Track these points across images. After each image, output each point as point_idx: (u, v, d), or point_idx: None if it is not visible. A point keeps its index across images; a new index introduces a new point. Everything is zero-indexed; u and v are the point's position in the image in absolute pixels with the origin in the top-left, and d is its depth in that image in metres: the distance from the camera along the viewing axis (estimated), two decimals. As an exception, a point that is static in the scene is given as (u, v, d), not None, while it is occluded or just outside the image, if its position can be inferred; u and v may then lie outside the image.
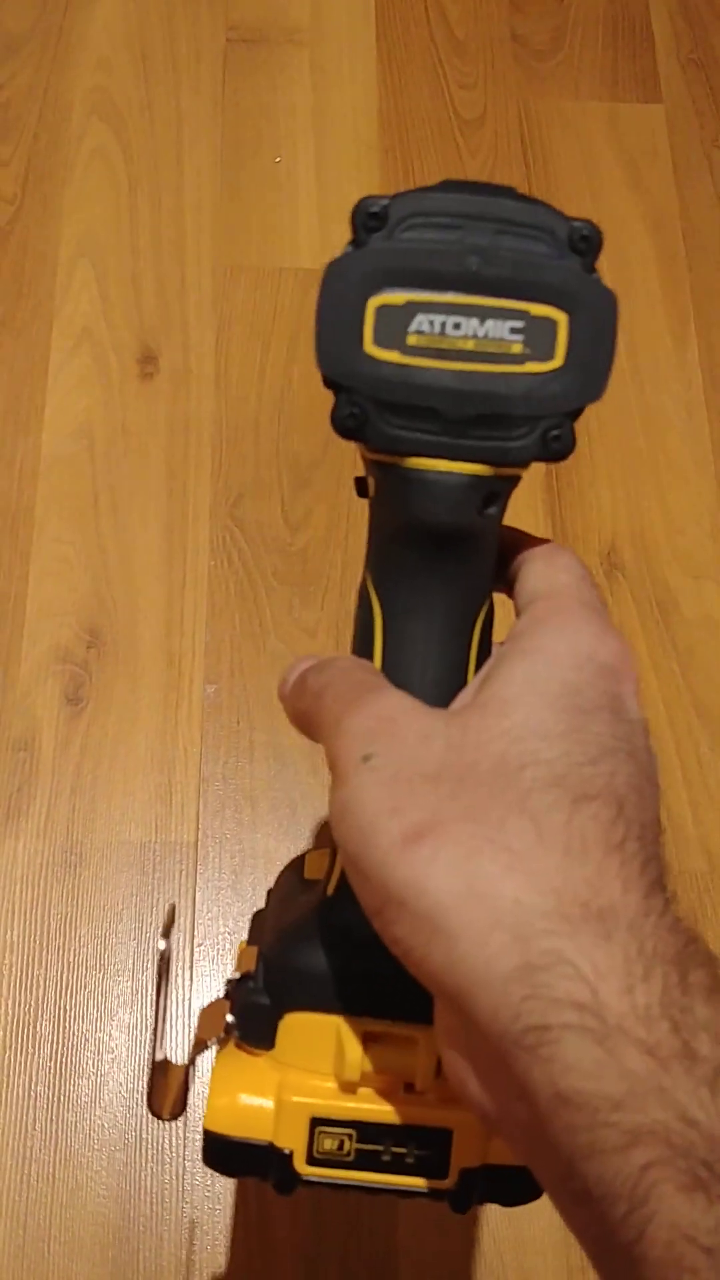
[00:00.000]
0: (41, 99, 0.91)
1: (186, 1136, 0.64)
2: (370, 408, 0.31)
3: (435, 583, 0.32)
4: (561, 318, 0.30)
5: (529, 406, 0.31)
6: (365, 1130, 0.34)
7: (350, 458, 0.82)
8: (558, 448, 0.32)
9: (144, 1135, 0.64)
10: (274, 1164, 0.34)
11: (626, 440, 0.83)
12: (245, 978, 0.35)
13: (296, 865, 0.40)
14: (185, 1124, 0.64)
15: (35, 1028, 0.66)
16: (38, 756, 0.73)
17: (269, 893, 0.41)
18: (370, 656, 0.33)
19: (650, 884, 0.26)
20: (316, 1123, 0.34)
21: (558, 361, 0.31)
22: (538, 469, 0.77)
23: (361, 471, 0.34)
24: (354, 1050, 0.33)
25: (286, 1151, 0.34)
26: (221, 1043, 0.35)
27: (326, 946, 0.34)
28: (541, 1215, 0.62)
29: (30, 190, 0.89)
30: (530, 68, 0.95)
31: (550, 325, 0.30)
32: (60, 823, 0.71)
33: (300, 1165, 0.34)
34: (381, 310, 0.30)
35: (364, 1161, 0.34)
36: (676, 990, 0.24)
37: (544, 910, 0.25)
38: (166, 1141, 0.64)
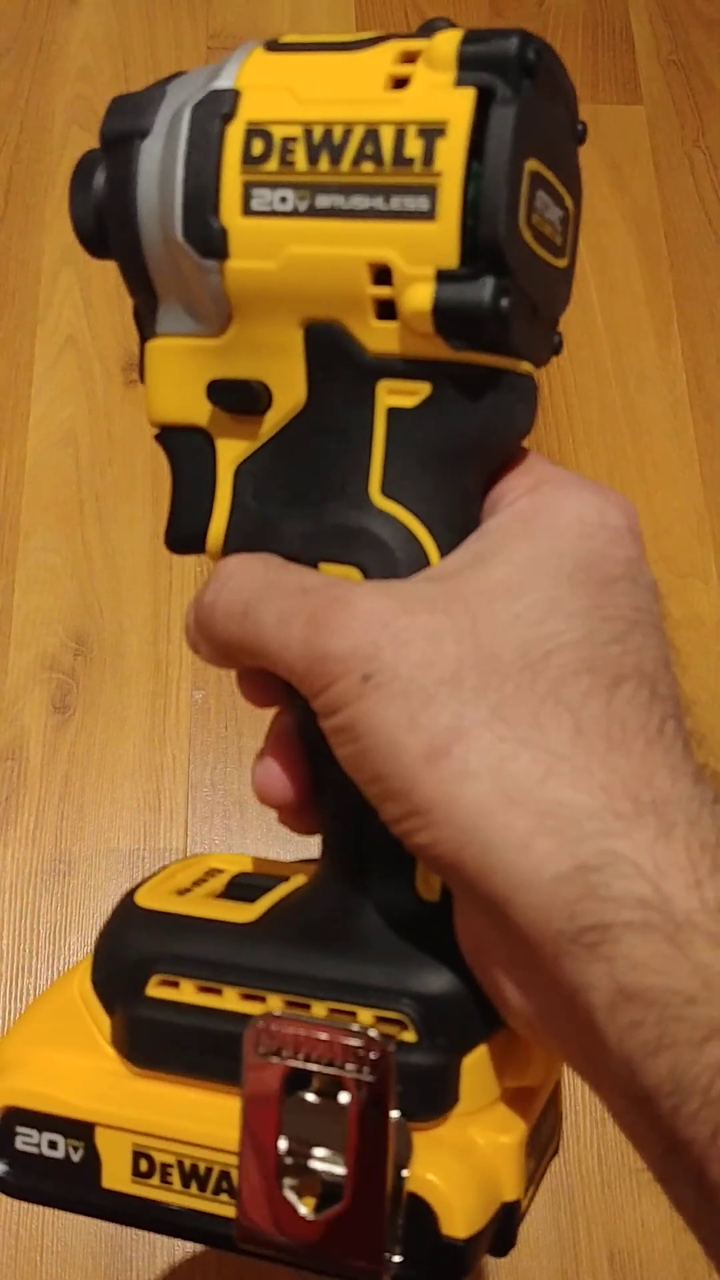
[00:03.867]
0: (23, 109, 0.92)
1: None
2: (519, 299, 0.26)
3: (478, 495, 0.29)
4: (573, 210, 0.29)
5: (560, 305, 0.30)
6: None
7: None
8: (560, 346, 0.30)
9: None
10: (506, 1220, 0.29)
11: (612, 440, 0.83)
12: (384, 1047, 0.27)
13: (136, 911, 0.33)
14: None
15: (25, 1037, 0.66)
16: (25, 765, 0.72)
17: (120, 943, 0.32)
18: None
19: (696, 770, 0.25)
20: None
21: (568, 260, 0.29)
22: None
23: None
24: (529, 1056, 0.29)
25: (516, 1201, 0.29)
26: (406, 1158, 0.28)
27: (450, 964, 0.28)
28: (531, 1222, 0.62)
29: (13, 200, 0.89)
30: (511, 71, 0.95)
31: (572, 220, 0.29)
32: (49, 831, 0.71)
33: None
34: (533, 177, 0.26)
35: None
36: None
37: (593, 810, 0.24)
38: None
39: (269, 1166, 0.27)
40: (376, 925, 0.29)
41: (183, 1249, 0.62)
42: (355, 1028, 0.27)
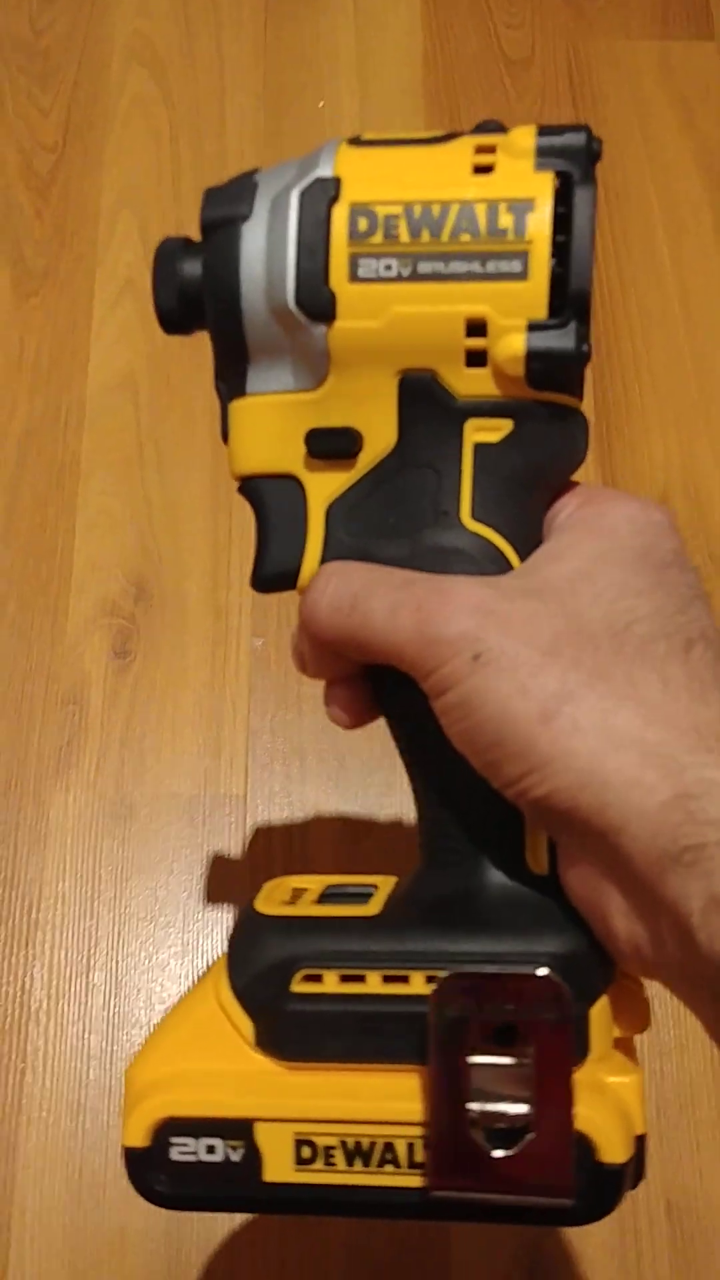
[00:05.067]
0: (81, 46, 0.90)
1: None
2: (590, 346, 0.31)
3: (544, 514, 0.34)
4: None
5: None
6: None
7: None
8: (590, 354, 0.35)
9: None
10: (639, 1151, 0.32)
11: (679, 389, 0.81)
12: (561, 985, 0.30)
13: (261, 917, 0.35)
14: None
15: (88, 978, 0.67)
16: (86, 710, 0.72)
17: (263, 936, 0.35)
18: None
19: None
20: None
21: None
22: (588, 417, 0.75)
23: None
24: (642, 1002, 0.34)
25: (644, 1135, 0.32)
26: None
27: (567, 926, 0.32)
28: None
29: (71, 139, 0.87)
30: (579, 6, 0.93)
31: None
32: (109, 776, 0.71)
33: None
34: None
35: None
36: None
37: (688, 746, 0.27)
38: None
39: (460, 1117, 0.30)
40: (496, 901, 0.32)
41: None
42: (534, 970, 0.30)
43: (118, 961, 0.67)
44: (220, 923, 0.68)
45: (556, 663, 0.29)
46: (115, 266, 0.84)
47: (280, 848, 0.70)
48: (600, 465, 0.79)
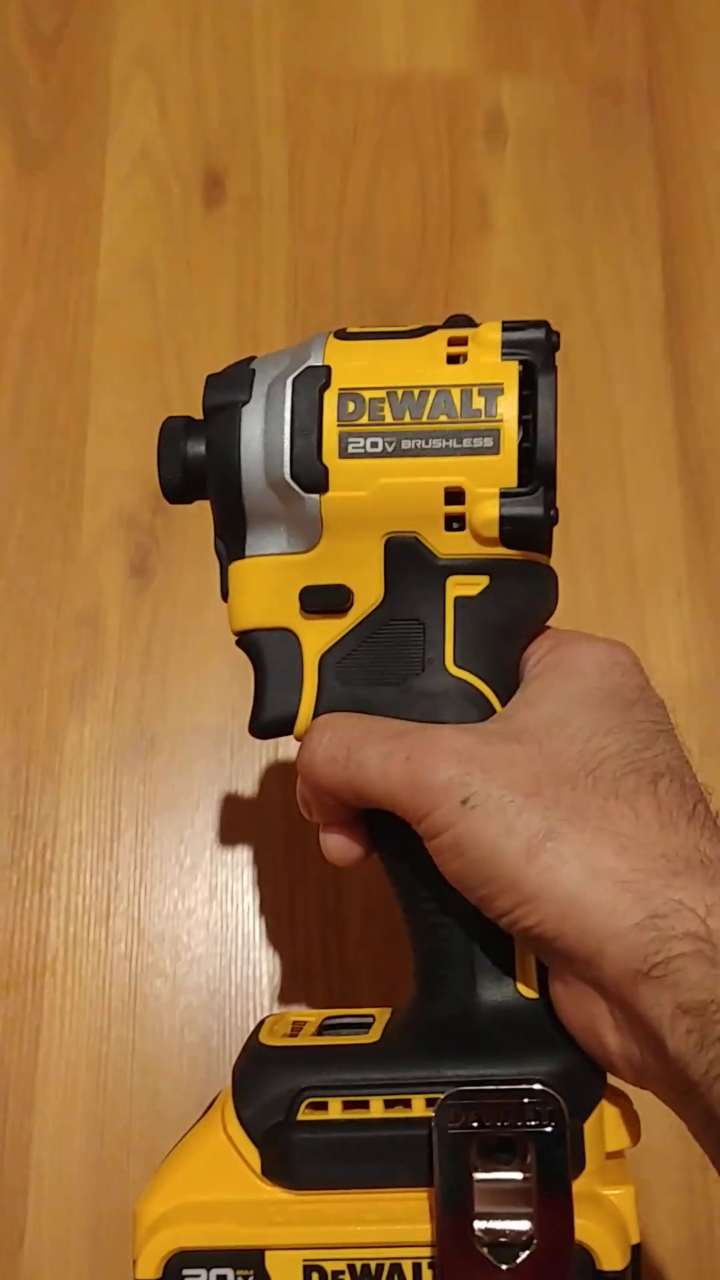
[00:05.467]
0: None
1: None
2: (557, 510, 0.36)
3: (520, 658, 0.37)
4: None
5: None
6: None
7: (441, 291, 0.73)
8: (556, 518, 0.38)
9: (224, 1042, 0.60)
10: (635, 1259, 0.33)
11: None
12: (556, 1099, 0.32)
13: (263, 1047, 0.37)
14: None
15: (109, 925, 0.61)
16: (103, 633, 0.66)
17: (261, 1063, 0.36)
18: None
19: None
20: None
21: None
22: (658, 308, 0.67)
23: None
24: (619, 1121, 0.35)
25: (639, 1244, 0.34)
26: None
27: (557, 1047, 0.34)
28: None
29: (77, -10, 0.78)
30: None
31: None
32: (129, 706, 0.65)
33: None
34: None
35: None
36: None
37: (658, 871, 0.30)
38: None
39: (466, 1233, 0.31)
40: (490, 1025, 0.34)
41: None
42: (532, 1089, 0.32)
43: (140, 907, 0.62)
44: (250, 864, 0.62)
45: (539, 803, 0.32)
46: (129, 136, 0.75)
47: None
48: (668, 355, 0.71)
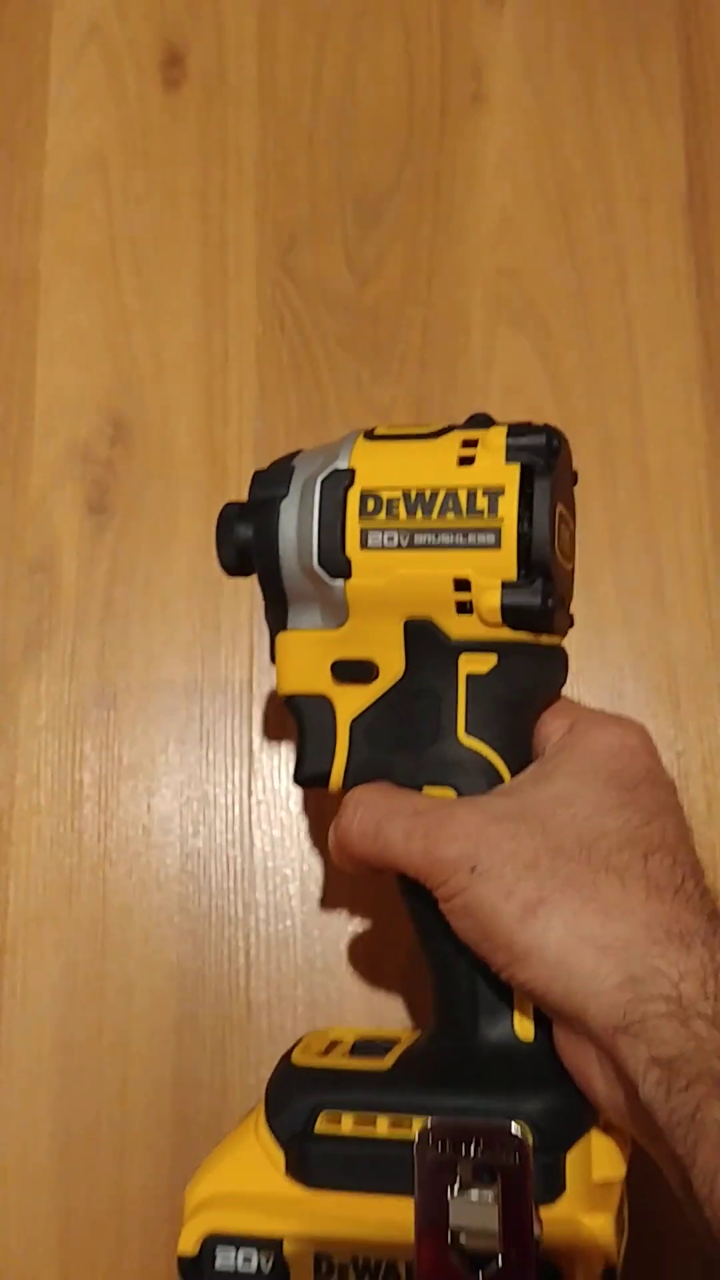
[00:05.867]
0: None
1: (250, 998, 0.55)
2: (555, 595, 0.39)
3: (531, 730, 0.41)
4: (574, 528, 0.44)
5: (571, 595, 0.44)
6: None
7: (430, 180, 0.65)
8: (572, 622, 0.44)
9: (194, 1025, 0.55)
10: None
11: None
12: (522, 1137, 0.36)
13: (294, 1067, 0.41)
14: (251, 983, 0.55)
15: (71, 901, 0.56)
16: (58, 579, 0.60)
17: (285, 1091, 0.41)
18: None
19: (711, 911, 0.35)
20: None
21: (573, 562, 0.44)
22: (679, 190, 0.59)
23: None
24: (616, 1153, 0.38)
25: (614, 1267, 0.36)
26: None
27: (546, 1087, 0.38)
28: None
29: None
30: None
31: (574, 535, 0.43)
32: (89, 659, 0.59)
33: None
34: (559, 515, 0.41)
35: None
36: None
37: (637, 939, 0.34)
38: (227, 1014, 0.55)
39: (442, 1243, 0.35)
40: (488, 1064, 0.38)
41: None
42: (500, 1124, 0.35)
43: (105, 881, 0.57)
44: (223, 831, 0.57)
45: (535, 874, 0.35)
46: (76, 9, 0.67)
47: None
48: (690, 245, 0.63)
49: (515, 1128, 0.35)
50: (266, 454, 0.61)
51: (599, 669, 0.58)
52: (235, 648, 0.59)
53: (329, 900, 0.56)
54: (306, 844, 0.57)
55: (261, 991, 0.55)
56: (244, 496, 0.61)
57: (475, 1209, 0.35)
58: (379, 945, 0.55)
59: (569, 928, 0.34)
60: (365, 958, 0.55)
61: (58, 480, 0.61)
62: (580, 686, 0.58)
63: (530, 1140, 0.35)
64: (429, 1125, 0.36)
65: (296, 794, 0.57)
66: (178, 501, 0.61)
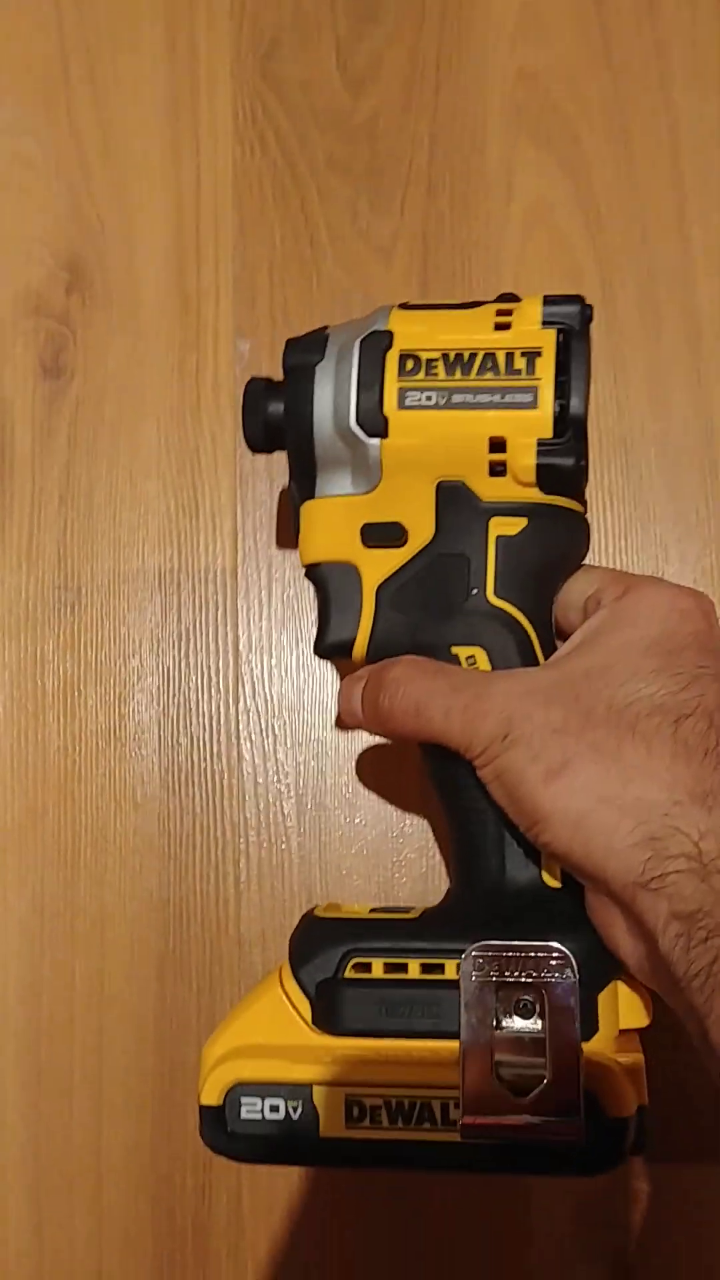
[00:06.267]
0: None
1: (241, 932, 0.48)
2: (587, 461, 0.41)
3: (555, 592, 0.42)
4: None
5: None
6: None
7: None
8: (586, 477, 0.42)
9: (178, 946, 0.49)
10: (640, 1120, 0.37)
11: None
12: (568, 953, 0.37)
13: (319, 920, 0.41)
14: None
15: (36, 825, 0.49)
16: (10, 454, 0.52)
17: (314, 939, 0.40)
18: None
19: None
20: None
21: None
22: None
23: None
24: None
25: (644, 1106, 0.37)
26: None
27: (575, 930, 0.38)
28: None
29: None
30: None
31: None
32: (48, 547, 0.51)
33: None
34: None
35: None
36: None
37: (659, 800, 0.34)
38: (216, 950, 0.48)
39: (488, 1066, 0.36)
40: (517, 908, 0.38)
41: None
42: (548, 946, 0.37)
43: (73, 798, 0.50)
44: (206, 740, 0.50)
45: (562, 739, 0.36)
46: None
47: (288, 640, 0.50)
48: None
49: (561, 947, 0.36)
50: (247, 300, 0.52)
51: (640, 546, 0.50)
52: (216, 532, 0.51)
53: (328, 820, 0.49)
54: (302, 756, 0.49)
55: (254, 924, 0.48)
56: (221, 350, 0.53)
57: (521, 1032, 0.36)
58: (385, 870, 0.49)
59: (590, 790, 0.35)
60: (369, 885, 0.48)
61: (5, 337, 0.52)
62: (619, 562, 0.50)
63: (574, 959, 0.36)
64: (475, 950, 0.36)
65: (290, 698, 0.50)
66: (146, 359, 0.52)
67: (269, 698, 0.50)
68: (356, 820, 0.49)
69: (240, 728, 0.50)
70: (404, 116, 0.53)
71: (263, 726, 0.50)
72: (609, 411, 0.51)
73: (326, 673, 0.50)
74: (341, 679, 0.45)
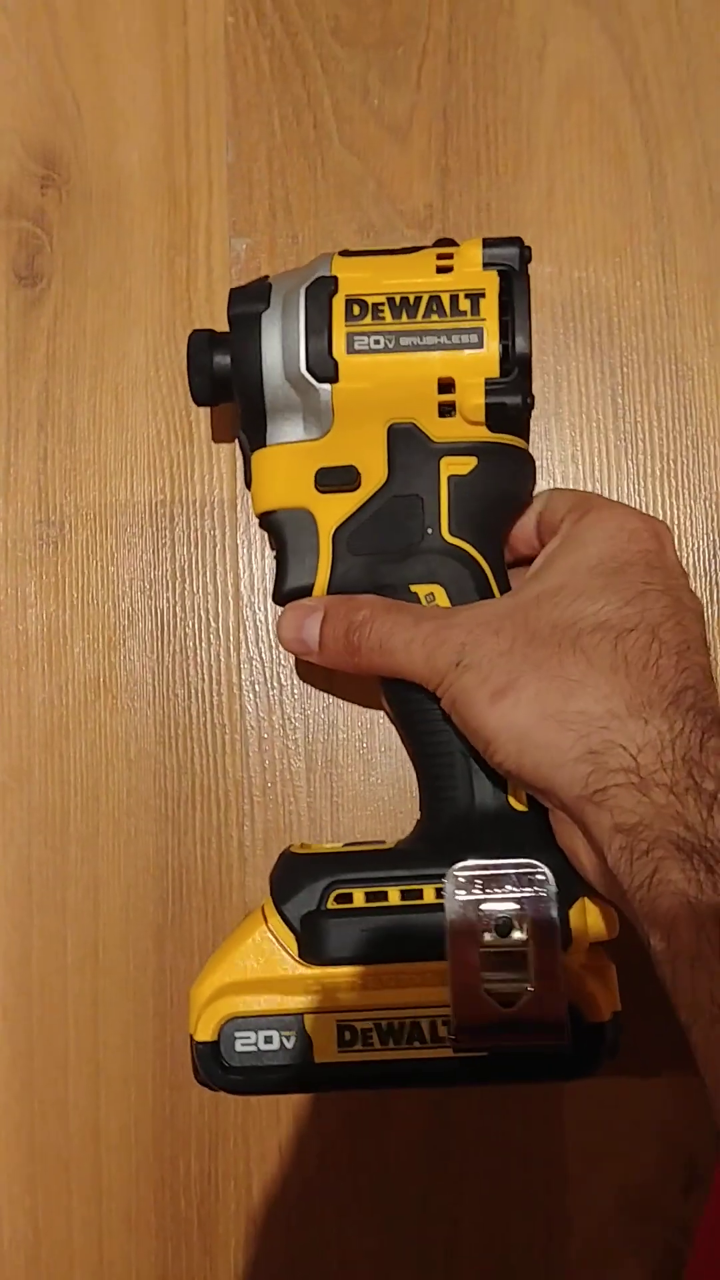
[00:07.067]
0: None
1: (245, 899, 0.44)
2: (532, 398, 0.41)
3: (504, 528, 0.43)
4: None
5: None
6: None
7: None
8: (532, 404, 0.42)
9: (181, 937, 0.45)
10: (615, 1025, 0.38)
11: None
12: (547, 870, 0.38)
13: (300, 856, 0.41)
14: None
15: (21, 784, 0.45)
16: (-16, 374, 0.47)
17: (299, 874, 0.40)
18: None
19: (680, 688, 0.35)
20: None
21: None
22: None
23: None
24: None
25: (619, 1012, 0.39)
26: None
27: (544, 849, 0.38)
28: None
29: None
30: None
31: None
32: (26, 477, 0.46)
33: None
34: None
35: None
36: (695, 751, 0.34)
37: (598, 714, 0.35)
38: (218, 918, 0.45)
39: (475, 981, 0.37)
40: (487, 834, 0.39)
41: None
42: (528, 863, 0.38)
43: (62, 757, 0.45)
44: (202, 688, 0.45)
45: (509, 660, 0.36)
46: None
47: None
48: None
49: (540, 865, 0.37)
50: (243, 191, 0.46)
51: (690, 468, 0.44)
52: (214, 459, 0.46)
53: (341, 778, 0.45)
54: (310, 708, 0.45)
55: (259, 892, 0.44)
56: (214, 251, 0.48)
57: (504, 945, 0.37)
58: (402, 833, 0.44)
59: (533, 707, 0.35)
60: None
61: (-26, 241, 0.47)
62: (667, 485, 0.44)
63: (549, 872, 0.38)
64: (457, 869, 0.37)
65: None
66: (131, 262, 0.47)
67: (273, 644, 0.45)
68: (371, 778, 0.45)
69: (242, 677, 0.45)
70: (420, -28, 0.46)
71: (267, 676, 0.45)
72: (656, 314, 0.45)
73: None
74: None
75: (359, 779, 0.45)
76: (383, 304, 0.40)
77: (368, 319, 0.40)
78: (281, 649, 0.45)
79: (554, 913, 0.37)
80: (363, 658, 0.40)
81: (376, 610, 0.40)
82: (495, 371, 0.39)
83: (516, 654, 0.36)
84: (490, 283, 0.39)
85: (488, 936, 0.37)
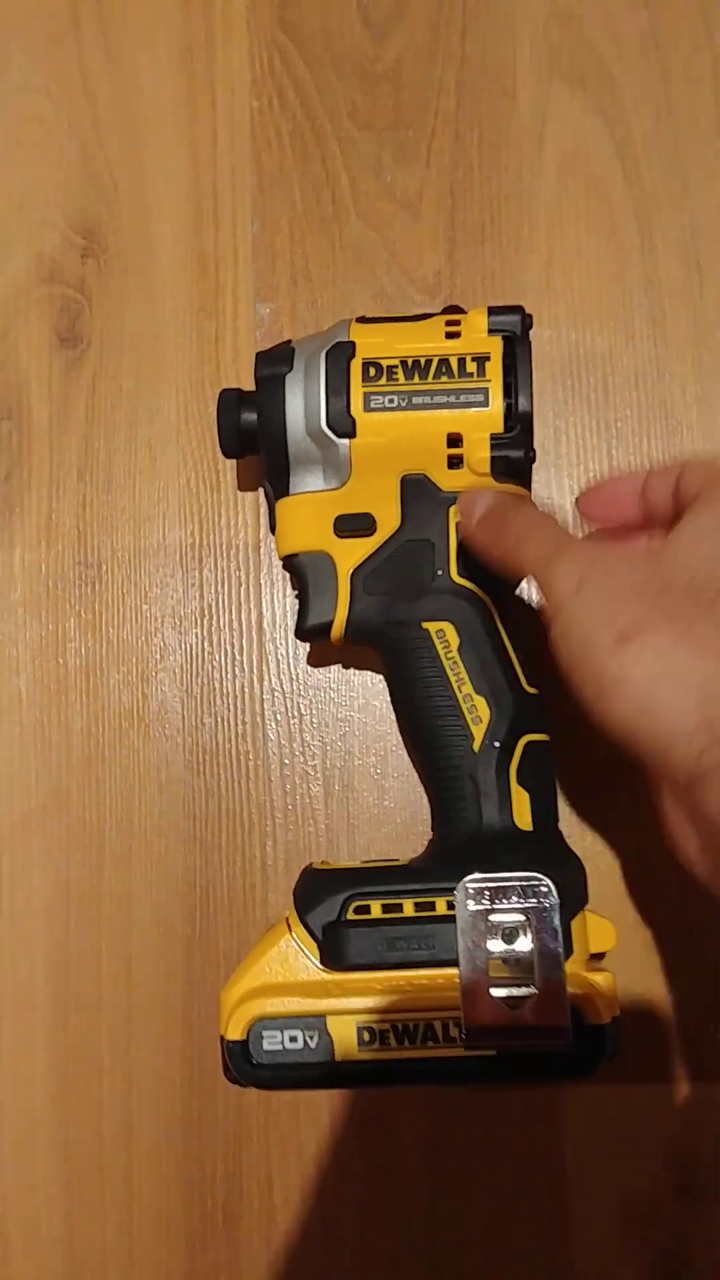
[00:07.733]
0: None
1: (269, 915, 0.47)
2: (534, 452, 0.44)
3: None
4: None
5: None
6: None
7: None
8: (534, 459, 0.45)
9: (209, 952, 0.48)
10: (614, 1029, 0.41)
11: None
12: (550, 880, 0.41)
13: (320, 874, 0.44)
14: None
15: (61, 807, 0.49)
16: (28, 427, 0.50)
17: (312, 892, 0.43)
18: None
19: None
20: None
21: None
22: None
23: None
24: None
25: (619, 1016, 0.42)
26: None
27: (550, 865, 0.42)
28: None
29: None
30: None
31: None
32: (67, 521, 0.50)
33: None
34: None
35: None
36: None
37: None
38: (243, 933, 0.48)
39: (484, 985, 0.40)
40: (496, 851, 0.42)
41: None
42: (533, 876, 0.40)
43: (97, 782, 0.49)
44: (231, 720, 0.48)
45: (639, 602, 0.34)
46: None
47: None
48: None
49: (545, 879, 0.40)
50: (267, 260, 0.50)
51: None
52: (239, 505, 0.50)
53: (356, 802, 0.48)
54: (328, 736, 0.48)
55: (281, 908, 0.47)
56: (240, 315, 0.52)
57: (511, 953, 0.40)
58: (415, 853, 0.47)
59: (660, 661, 0.33)
60: (402, 868, 0.47)
61: (19, 305, 0.51)
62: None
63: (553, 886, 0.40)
64: (468, 882, 0.40)
65: (316, 677, 0.48)
66: (164, 325, 0.50)
67: (294, 676, 0.48)
68: (385, 802, 0.48)
69: (265, 707, 0.48)
70: (429, 63, 0.50)
71: (288, 706, 0.48)
72: (648, 373, 0.49)
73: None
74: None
75: (373, 802, 0.48)
76: (396, 367, 0.43)
77: (383, 380, 0.43)
78: (300, 682, 0.48)
79: (557, 923, 0.40)
80: (507, 545, 0.40)
81: (529, 508, 0.41)
82: (500, 427, 0.42)
83: (647, 597, 0.35)
84: (495, 347, 0.43)
85: (495, 944, 0.40)
